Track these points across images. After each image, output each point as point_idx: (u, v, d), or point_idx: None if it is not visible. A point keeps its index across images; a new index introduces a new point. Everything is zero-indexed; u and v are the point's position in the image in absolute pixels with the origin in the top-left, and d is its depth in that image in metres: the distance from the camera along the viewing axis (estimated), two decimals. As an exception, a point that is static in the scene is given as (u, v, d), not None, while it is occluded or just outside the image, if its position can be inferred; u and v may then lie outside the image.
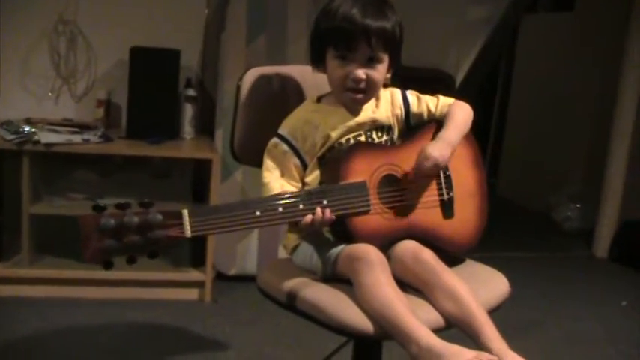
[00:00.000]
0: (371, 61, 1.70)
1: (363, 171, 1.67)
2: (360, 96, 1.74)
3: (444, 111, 1.84)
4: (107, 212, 1.36)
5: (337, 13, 1.67)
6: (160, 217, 1.38)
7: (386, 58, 1.72)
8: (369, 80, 1.71)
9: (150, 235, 1.37)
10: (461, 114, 1.83)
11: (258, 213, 1.49)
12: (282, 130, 1.77)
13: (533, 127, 5.54)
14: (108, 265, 1.39)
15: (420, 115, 1.85)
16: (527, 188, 5.40)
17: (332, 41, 1.69)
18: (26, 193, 2.90)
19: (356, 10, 1.66)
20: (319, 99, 1.83)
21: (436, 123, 1.84)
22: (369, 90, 1.73)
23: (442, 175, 1.80)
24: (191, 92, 3.28)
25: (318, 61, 1.77)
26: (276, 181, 1.72)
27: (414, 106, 1.85)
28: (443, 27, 4.20)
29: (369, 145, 1.76)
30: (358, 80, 1.70)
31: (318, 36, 1.73)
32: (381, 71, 1.72)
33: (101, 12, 3.28)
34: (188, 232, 1.41)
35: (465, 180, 1.85)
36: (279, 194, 1.60)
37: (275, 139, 1.76)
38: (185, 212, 1.41)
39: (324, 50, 1.72)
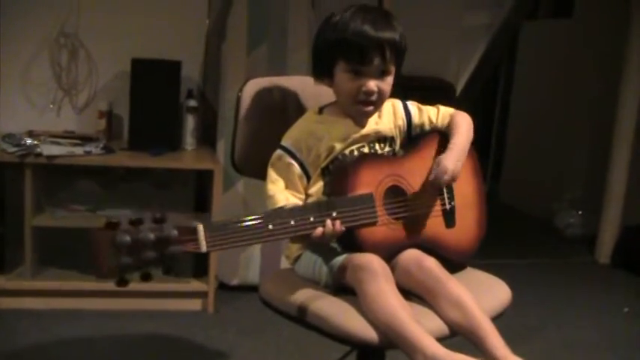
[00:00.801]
0: (382, 74, 1.72)
1: (369, 182, 1.67)
2: (370, 108, 1.75)
3: (445, 121, 1.86)
4: (122, 228, 1.34)
5: (348, 26, 1.67)
6: (175, 232, 1.36)
7: (393, 70, 1.74)
8: (380, 92, 1.73)
9: (166, 252, 1.36)
10: (465, 124, 1.85)
11: (270, 227, 1.49)
12: (286, 142, 1.77)
13: (534, 133, 5.54)
14: (123, 283, 1.38)
15: (421, 126, 1.87)
16: (529, 194, 5.39)
17: (344, 55, 1.69)
18: (28, 205, 2.90)
19: (367, 24, 1.67)
20: (321, 110, 1.83)
21: (437, 133, 1.85)
22: (378, 102, 1.75)
23: (445, 184, 1.81)
24: (192, 103, 3.29)
25: (323, 74, 1.77)
26: (281, 193, 1.73)
27: (415, 117, 1.86)
28: (443, 36, 4.22)
29: (375, 157, 1.77)
30: (371, 93, 1.71)
31: (326, 49, 1.73)
32: (389, 83, 1.74)
33: (102, 24, 3.28)
34: (204, 248, 1.40)
35: (465, 189, 1.87)
36: (287, 207, 1.60)
37: (279, 151, 1.76)
38: (200, 227, 1.40)
39: (332, 64, 1.72)
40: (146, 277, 1.38)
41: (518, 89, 5.84)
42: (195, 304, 3.13)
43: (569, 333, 3.13)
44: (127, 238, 1.33)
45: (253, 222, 1.47)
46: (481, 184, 1.92)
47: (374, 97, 1.72)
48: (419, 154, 1.79)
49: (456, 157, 1.76)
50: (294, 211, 1.55)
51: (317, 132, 1.77)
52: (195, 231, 1.40)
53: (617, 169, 4.25)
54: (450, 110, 1.88)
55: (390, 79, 1.74)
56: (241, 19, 3.21)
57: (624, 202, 4.27)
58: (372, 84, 1.71)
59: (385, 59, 1.69)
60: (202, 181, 3.27)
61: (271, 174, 1.76)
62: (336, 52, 1.70)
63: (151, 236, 1.34)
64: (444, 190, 1.81)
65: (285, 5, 3.25)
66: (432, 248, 1.74)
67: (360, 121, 1.79)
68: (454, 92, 4.23)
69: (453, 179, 1.74)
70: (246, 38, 3.22)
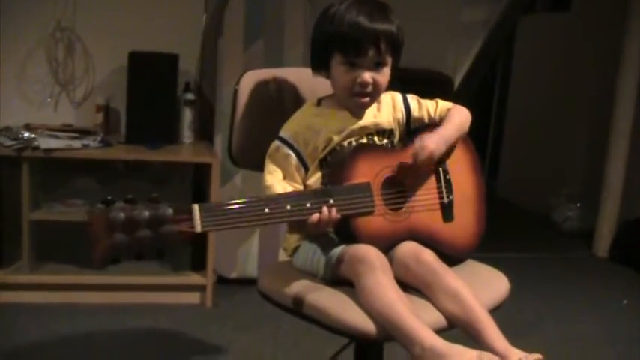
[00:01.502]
0: (377, 65, 1.71)
1: (366, 173, 1.67)
2: (366, 99, 1.75)
3: (443, 115, 1.85)
4: (117, 205, 1.34)
5: (343, 19, 1.67)
6: (170, 211, 1.36)
7: (390, 61, 1.73)
8: (375, 84, 1.72)
9: (160, 230, 1.35)
10: (458, 116, 1.84)
11: (267, 210, 1.49)
12: (284, 134, 1.77)
13: (532, 128, 5.54)
14: (115, 261, 1.37)
15: (420, 120, 1.87)
16: (527, 189, 5.40)
17: (340, 48, 1.69)
18: (26, 199, 2.90)
19: (362, 15, 1.66)
20: (319, 102, 1.83)
21: (436, 127, 1.84)
22: (374, 93, 1.75)
23: (442, 177, 1.81)
24: (190, 96, 3.29)
25: (320, 66, 1.77)
26: (279, 183, 1.72)
27: (415, 111, 1.86)
28: (441, 29, 4.22)
29: (373, 147, 1.77)
30: (365, 84, 1.71)
31: (323, 42, 1.73)
32: (386, 74, 1.74)
33: (99, 18, 3.28)
34: (198, 227, 1.40)
35: (464, 184, 1.86)
36: (286, 193, 1.60)
37: (277, 142, 1.76)
38: (196, 207, 1.40)
39: (329, 56, 1.72)
40: (139, 256, 1.37)
41: (516, 84, 5.84)
42: (193, 298, 3.13)
43: (567, 327, 3.14)
44: (121, 215, 1.32)
45: (249, 204, 1.47)
46: (481, 180, 1.91)
47: (369, 89, 1.72)
48: None
49: (437, 138, 1.75)
50: (290, 196, 1.56)
51: (315, 124, 1.76)
52: (190, 210, 1.39)
53: (615, 163, 4.25)
54: (449, 104, 1.88)
55: (386, 71, 1.73)
56: (238, 13, 3.21)
57: (622, 196, 4.28)
58: (367, 75, 1.70)
59: (380, 51, 1.69)
60: (200, 174, 3.27)
61: (269, 165, 1.76)
62: (332, 45, 1.70)
63: (146, 214, 1.34)
64: (442, 183, 1.81)
65: (282, 0, 3.25)
66: (428, 241, 1.73)
67: (358, 113, 1.79)
68: (452, 86, 4.23)
69: (432, 158, 1.73)
70: (242, 33, 3.22)
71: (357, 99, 1.74)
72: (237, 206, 1.46)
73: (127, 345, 2.72)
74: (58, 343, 2.67)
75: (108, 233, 1.33)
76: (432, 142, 1.72)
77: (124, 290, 3.02)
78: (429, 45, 4.04)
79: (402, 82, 1.87)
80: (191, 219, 1.39)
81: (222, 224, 1.43)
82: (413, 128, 1.87)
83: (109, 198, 1.34)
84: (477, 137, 1.93)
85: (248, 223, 1.47)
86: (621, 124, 4.20)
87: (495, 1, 4.39)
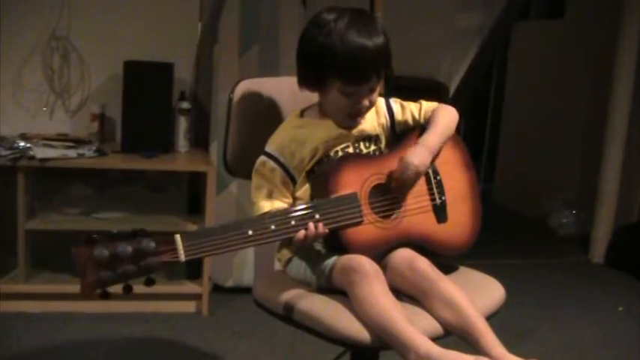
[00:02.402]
0: (373, 91, 1.72)
1: (352, 182, 1.67)
2: (359, 119, 1.77)
3: (427, 116, 1.85)
4: (100, 243, 1.36)
5: (345, 43, 1.63)
6: (152, 244, 1.38)
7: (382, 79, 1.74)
8: (371, 105, 1.74)
9: (144, 263, 1.38)
10: (443, 117, 1.83)
11: (250, 232, 1.49)
12: (269, 148, 1.77)
13: (527, 133, 5.55)
14: (105, 295, 1.39)
15: (405, 123, 1.87)
16: (523, 194, 5.41)
17: (341, 76, 1.66)
18: (21, 208, 2.89)
19: (364, 39, 1.63)
20: (302, 113, 1.83)
21: (422, 129, 1.84)
22: (368, 111, 1.77)
23: (433, 179, 1.81)
24: (185, 105, 3.29)
25: (311, 83, 1.75)
26: (266, 199, 1.73)
27: (398, 115, 1.86)
28: (436, 36, 4.23)
29: (357, 156, 1.77)
30: (364, 109, 1.73)
31: (320, 62, 1.68)
32: (378, 90, 1.75)
33: (94, 27, 3.28)
34: (182, 257, 1.41)
35: (457, 183, 1.86)
36: (270, 212, 1.60)
37: (263, 157, 1.76)
38: (177, 237, 1.41)
39: (325, 77, 1.69)
40: (127, 290, 1.41)
41: (511, 90, 5.86)
42: (189, 306, 3.13)
43: (563, 333, 3.14)
44: (105, 253, 1.35)
45: (232, 228, 1.48)
46: (473, 177, 1.91)
47: (364, 110, 1.75)
48: (403, 151, 1.77)
49: (421, 151, 1.74)
50: (275, 215, 1.55)
51: (299, 136, 1.76)
52: (173, 241, 1.41)
53: (610, 168, 4.26)
54: (433, 105, 1.87)
55: (379, 88, 1.74)
56: (233, 21, 3.21)
57: (617, 201, 4.28)
58: (366, 102, 1.72)
59: (379, 77, 1.70)
60: (196, 183, 3.27)
61: (255, 181, 1.76)
62: (332, 71, 1.67)
63: (129, 249, 1.36)
64: (433, 185, 1.81)
65: (277, 7, 3.26)
66: (422, 245, 1.73)
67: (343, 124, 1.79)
68: (447, 92, 4.23)
69: (418, 175, 1.73)
70: (238, 40, 3.22)
71: (352, 120, 1.76)
72: (220, 231, 1.46)
73: (123, 354, 2.71)
74: (54, 353, 2.67)
75: (93, 270, 1.36)
76: (416, 158, 1.72)
77: (120, 299, 2.99)
78: (424, 52, 4.05)
79: (397, 91, 1.88)
80: (175, 249, 1.41)
81: (206, 250, 1.44)
82: (399, 132, 1.87)
83: (94, 235, 1.36)
84: (472, 142, 1.93)
85: (232, 246, 1.48)
86: (616, 129, 4.21)
87: (490, 8, 4.40)
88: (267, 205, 1.70)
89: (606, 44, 4.33)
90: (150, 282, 1.41)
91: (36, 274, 3.07)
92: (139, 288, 1.44)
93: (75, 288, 3.02)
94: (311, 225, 1.56)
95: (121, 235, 1.37)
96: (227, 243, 1.46)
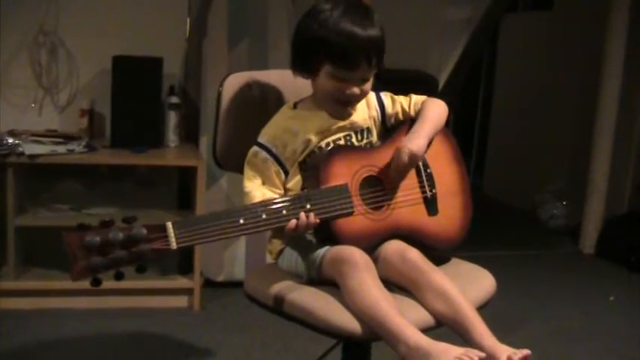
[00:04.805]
0: (365, 81, 1.73)
1: (343, 174, 1.67)
2: (350, 107, 1.77)
3: (417, 109, 1.86)
4: (92, 229, 1.36)
5: (337, 27, 1.65)
6: (144, 231, 1.38)
7: (375, 71, 1.74)
8: (362, 94, 1.75)
9: (135, 250, 1.38)
10: (432, 109, 1.84)
11: (241, 221, 1.49)
12: (262, 138, 1.77)
13: (517, 126, 5.57)
14: (96, 283, 1.39)
15: (395, 116, 1.87)
16: (513, 186, 5.43)
17: (332, 60, 1.67)
18: (11, 205, 2.88)
19: (357, 27, 1.65)
20: (295, 105, 1.83)
21: (412, 122, 1.85)
22: (359, 101, 1.77)
23: (423, 171, 1.81)
24: (174, 100, 3.28)
25: (305, 70, 1.75)
26: (258, 189, 1.73)
27: (388, 108, 1.87)
28: (424, 29, 4.23)
29: (348, 148, 1.77)
30: (354, 97, 1.73)
31: (313, 47, 1.69)
32: (370, 82, 1.75)
33: (82, 22, 3.27)
34: (174, 244, 1.41)
35: (447, 176, 1.87)
36: (261, 201, 1.60)
37: (255, 148, 1.77)
38: (169, 225, 1.42)
39: (317, 63, 1.70)
40: (119, 277, 1.40)
41: (500, 82, 5.87)
42: (181, 301, 3.13)
43: (554, 323, 3.15)
44: (97, 239, 1.35)
45: (223, 216, 1.48)
46: (463, 169, 1.92)
47: (354, 99, 1.75)
48: (394, 144, 1.77)
49: (416, 137, 1.75)
50: (266, 205, 1.55)
51: (292, 127, 1.77)
52: (164, 228, 1.41)
53: (599, 160, 4.27)
54: (423, 98, 1.88)
55: (371, 79, 1.75)
56: (222, 15, 3.21)
57: (607, 193, 4.30)
58: (357, 90, 1.72)
59: (371, 66, 1.70)
60: (186, 177, 3.26)
61: (248, 171, 1.76)
62: (323, 54, 1.68)
63: (120, 235, 1.36)
64: (424, 178, 1.81)
65: (265, 2, 3.25)
66: (413, 237, 1.74)
67: (335, 114, 1.79)
68: (437, 85, 4.24)
69: (415, 158, 1.73)
70: (226, 35, 3.22)
71: (341, 106, 1.76)
72: (211, 219, 1.46)
73: (115, 350, 2.70)
74: (45, 350, 2.66)
75: (85, 256, 1.35)
76: (411, 143, 1.72)
77: (111, 295, 3.01)
78: (413, 45, 4.05)
79: (386, 83, 1.88)
80: (166, 236, 1.41)
81: (197, 238, 1.44)
82: (389, 125, 1.88)
83: (85, 223, 1.37)
84: (462, 135, 1.94)
85: (224, 235, 1.48)
86: (605, 121, 4.22)
87: (478, 0, 4.40)
88: (258, 195, 1.70)
89: (595, 36, 4.34)
90: (141, 269, 1.40)
91: (26, 270, 3.06)
92: (130, 283, 1.45)
93: (65, 284, 3.03)
94: (302, 215, 1.56)
95: (112, 222, 1.37)
96: (218, 231, 1.46)
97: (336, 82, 1.70)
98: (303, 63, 1.75)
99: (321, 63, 1.70)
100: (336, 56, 1.67)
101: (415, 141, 1.73)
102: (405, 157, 1.70)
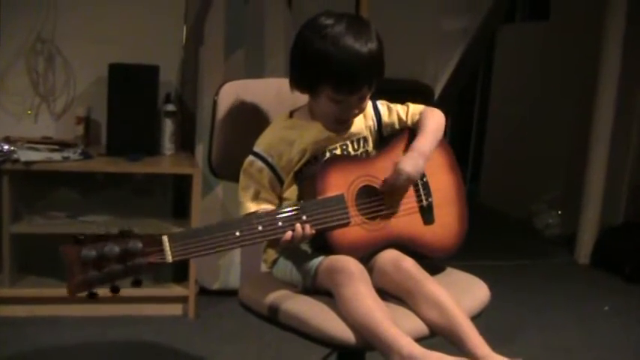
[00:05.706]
0: (363, 99, 1.74)
1: (339, 184, 1.68)
2: (347, 124, 1.79)
3: (415, 119, 1.86)
4: (88, 243, 1.36)
5: (338, 49, 1.63)
6: (140, 244, 1.38)
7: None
8: (359, 112, 1.77)
9: (131, 264, 1.38)
10: (432, 121, 1.84)
11: (237, 233, 1.49)
12: (258, 148, 1.77)
13: (513, 135, 5.58)
14: (92, 296, 1.39)
15: (391, 125, 1.87)
16: (508, 195, 5.43)
17: (333, 85, 1.67)
18: (6, 212, 2.88)
19: (358, 45, 1.64)
20: (291, 114, 1.83)
21: (409, 131, 1.86)
22: (356, 116, 1.79)
23: (420, 181, 1.82)
24: (171, 107, 3.28)
25: (303, 87, 1.75)
26: (253, 200, 1.73)
27: (385, 117, 1.87)
28: (421, 38, 4.24)
29: (344, 158, 1.78)
30: (353, 117, 1.75)
31: (315, 67, 1.68)
32: (368, 98, 1.76)
33: (79, 30, 3.27)
34: (169, 258, 1.41)
35: (443, 185, 1.87)
36: (257, 213, 1.60)
37: (250, 157, 1.77)
38: (165, 238, 1.42)
39: (317, 83, 1.70)
40: (115, 290, 1.41)
41: (496, 91, 5.88)
42: (176, 309, 3.12)
43: (549, 333, 3.15)
44: (93, 253, 1.35)
45: (219, 229, 1.48)
46: (459, 179, 1.92)
47: (353, 117, 1.77)
48: (390, 153, 1.79)
49: (414, 157, 1.75)
50: (262, 216, 1.56)
51: (288, 137, 1.77)
52: (159, 242, 1.41)
53: (595, 169, 4.28)
54: (420, 107, 1.89)
55: (369, 95, 1.76)
56: (218, 23, 3.21)
57: (603, 202, 4.31)
58: (356, 111, 1.74)
59: (371, 87, 1.71)
60: (181, 186, 3.26)
61: (243, 181, 1.76)
62: (324, 77, 1.67)
63: (116, 249, 1.36)
64: (420, 187, 1.81)
65: (262, 10, 3.26)
66: (409, 246, 1.74)
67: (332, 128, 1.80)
68: (432, 95, 4.25)
69: (411, 181, 1.74)
70: (223, 43, 3.22)
71: (340, 125, 1.77)
72: (207, 232, 1.47)
73: (110, 357, 2.70)
74: (41, 357, 2.65)
75: (81, 270, 1.35)
76: (409, 165, 1.72)
77: (106, 303, 3.00)
78: (409, 55, 4.06)
79: (382, 93, 1.88)
80: (161, 250, 1.41)
81: (193, 252, 1.45)
82: (385, 134, 1.88)
83: (81, 236, 1.37)
84: (458, 144, 1.94)
85: (220, 247, 1.48)
86: (601, 130, 4.23)
87: (475, 11, 4.42)
88: (253, 206, 1.70)
89: (591, 46, 4.36)
90: (137, 283, 1.41)
91: (21, 278, 3.05)
92: (125, 291, 1.44)
93: (61, 292, 3.01)
94: (298, 226, 1.56)
95: (109, 236, 1.38)
96: (214, 244, 1.46)
97: (336, 105, 1.71)
98: (302, 79, 1.74)
99: (321, 85, 1.68)
100: (338, 82, 1.66)
101: (413, 161, 1.73)
102: (402, 180, 1.71)
